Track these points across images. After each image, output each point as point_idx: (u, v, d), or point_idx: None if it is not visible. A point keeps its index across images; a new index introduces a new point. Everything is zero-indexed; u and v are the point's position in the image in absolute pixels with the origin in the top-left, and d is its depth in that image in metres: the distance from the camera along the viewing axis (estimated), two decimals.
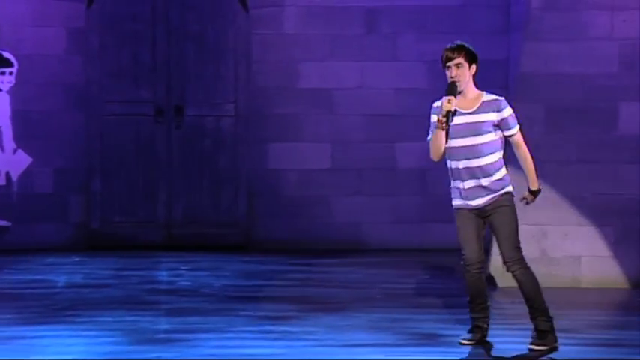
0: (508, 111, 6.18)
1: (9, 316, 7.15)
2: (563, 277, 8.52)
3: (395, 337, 6.66)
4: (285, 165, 10.56)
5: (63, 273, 8.99)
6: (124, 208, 10.51)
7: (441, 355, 6.23)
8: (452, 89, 6.18)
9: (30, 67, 10.22)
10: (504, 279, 8.43)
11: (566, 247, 8.55)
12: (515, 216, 6.19)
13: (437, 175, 10.72)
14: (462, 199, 6.22)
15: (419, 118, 10.68)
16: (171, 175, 10.57)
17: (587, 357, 6.21)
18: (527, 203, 6.29)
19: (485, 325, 6.36)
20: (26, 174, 10.30)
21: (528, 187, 6.24)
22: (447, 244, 10.48)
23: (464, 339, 6.32)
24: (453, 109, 6.14)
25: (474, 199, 6.18)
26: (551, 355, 6.16)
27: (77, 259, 9.76)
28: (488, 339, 6.36)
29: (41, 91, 10.26)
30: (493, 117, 6.15)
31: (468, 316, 6.48)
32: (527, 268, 6.18)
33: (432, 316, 7.28)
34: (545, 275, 8.49)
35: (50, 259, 9.64)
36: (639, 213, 8.52)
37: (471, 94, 6.21)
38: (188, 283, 8.59)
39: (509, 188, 6.22)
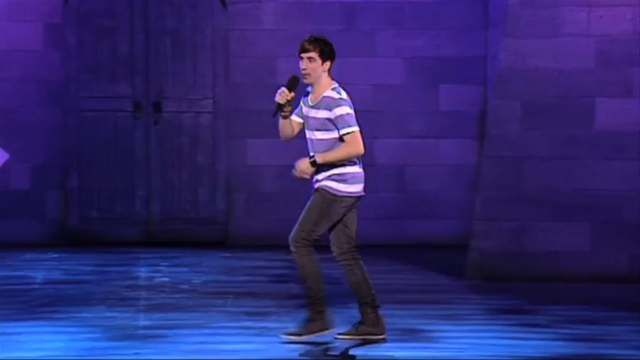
0: (340, 111, 6.15)
1: None
2: (542, 272, 8.56)
3: None
4: (264, 161, 10.55)
5: (41, 269, 8.96)
6: (102, 205, 10.47)
7: (421, 350, 6.24)
8: (291, 82, 6.21)
9: (6, 62, 10.16)
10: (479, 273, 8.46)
11: (544, 243, 8.59)
12: (322, 205, 6.17)
13: (415, 172, 10.74)
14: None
15: (397, 115, 10.75)
16: (150, 171, 10.54)
17: (565, 352, 6.25)
18: (293, 174, 6.22)
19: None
20: (3, 170, 10.24)
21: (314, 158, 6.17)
22: (426, 239, 10.51)
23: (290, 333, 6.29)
24: (283, 101, 6.14)
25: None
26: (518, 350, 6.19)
27: (55, 255, 9.72)
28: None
29: (18, 87, 10.21)
30: (325, 114, 6.16)
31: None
32: (305, 255, 6.23)
33: (412, 312, 7.30)
34: (524, 270, 8.54)
35: (28, 256, 9.60)
36: (616, 208, 8.57)
37: (320, 89, 6.21)
38: (167, 279, 8.57)
39: (333, 185, 6.18)
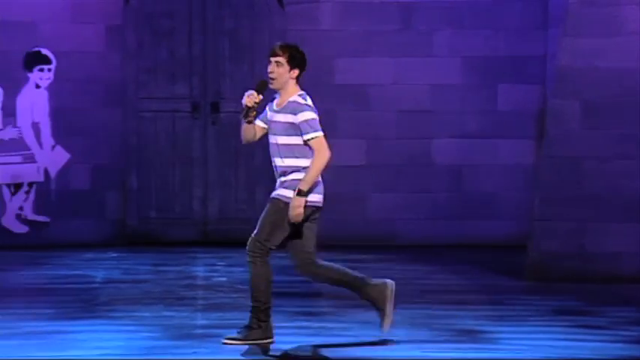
0: (304, 116, 6.06)
1: (48, 311, 7.21)
2: (601, 273, 8.46)
3: (432, 333, 6.64)
4: None
5: (101, 269, 9.05)
6: (160, 205, 10.56)
7: (479, 352, 6.21)
8: (260, 86, 6.16)
9: (68, 64, 10.28)
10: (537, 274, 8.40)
11: (604, 243, 8.49)
12: (276, 215, 6.05)
13: (472, 172, 10.68)
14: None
15: (454, 115, 10.70)
16: (207, 171, 10.60)
17: (625, 354, 6.17)
18: (292, 217, 6.05)
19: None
20: (64, 170, 10.37)
21: (298, 188, 6.04)
22: (482, 240, 10.45)
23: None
24: (251, 104, 6.09)
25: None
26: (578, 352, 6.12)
27: (115, 255, 9.82)
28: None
29: (79, 88, 10.33)
30: (290, 119, 6.07)
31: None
32: (258, 265, 6.15)
33: (469, 313, 7.25)
34: (583, 271, 8.45)
35: (88, 255, 9.71)
36: None
37: (286, 93, 6.15)
38: (224, 279, 8.62)
39: (287, 193, 6.05)
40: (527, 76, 10.53)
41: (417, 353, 6.16)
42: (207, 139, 10.61)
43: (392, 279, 8.73)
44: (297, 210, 6.04)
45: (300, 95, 6.15)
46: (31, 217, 10.32)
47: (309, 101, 6.19)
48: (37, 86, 10.33)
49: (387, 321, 6.21)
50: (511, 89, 10.60)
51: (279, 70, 6.10)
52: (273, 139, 6.13)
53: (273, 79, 6.11)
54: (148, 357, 6.00)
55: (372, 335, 6.54)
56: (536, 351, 6.20)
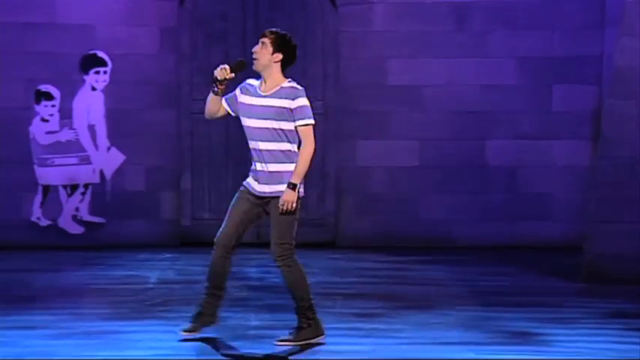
0: (302, 101, 6.12)
1: (103, 311, 7.28)
2: None
3: (485, 335, 6.60)
4: (373, 162, 10.55)
5: (155, 269, 9.12)
6: (213, 206, 10.61)
7: (533, 354, 6.16)
8: (237, 64, 6.22)
9: (123, 66, 10.38)
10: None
11: None
12: (289, 214, 6.09)
13: (526, 173, 10.60)
14: (254, 180, 6.19)
15: (509, 115, 10.62)
16: None
17: None
18: (284, 211, 6.08)
19: (209, 312, 6.25)
20: (119, 171, 10.47)
21: (289, 182, 6.08)
22: (536, 241, 10.36)
23: (183, 329, 6.23)
24: (221, 77, 6.13)
25: (259, 183, 6.16)
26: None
27: (169, 255, 9.89)
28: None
29: (134, 89, 10.42)
30: (285, 103, 6.10)
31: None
32: (292, 266, 6.16)
33: (522, 315, 7.20)
34: None
35: (142, 256, 9.78)
36: None
37: (272, 79, 6.18)
38: (277, 280, 8.63)
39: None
40: (583, 76, 10.43)
41: (471, 355, 6.12)
42: None
43: (445, 280, 8.71)
44: (291, 204, 6.10)
45: (292, 81, 6.22)
46: (87, 218, 10.43)
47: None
48: (93, 88, 10.44)
49: (284, 344, 6.19)
50: (566, 90, 10.50)
51: (262, 51, 6.19)
52: (258, 124, 6.14)
53: (255, 58, 6.19)
54: (201, 357, 6.04)
55: (425, 337, 6.52)
56: (592, 354, 6.14)
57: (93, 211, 10.44)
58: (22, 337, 6.36)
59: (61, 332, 6.57)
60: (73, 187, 10.46)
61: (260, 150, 6.16)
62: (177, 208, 10.55)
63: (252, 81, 6.28)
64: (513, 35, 10.46)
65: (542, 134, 10.55)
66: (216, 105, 6.27)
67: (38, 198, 10.37)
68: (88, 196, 10.46)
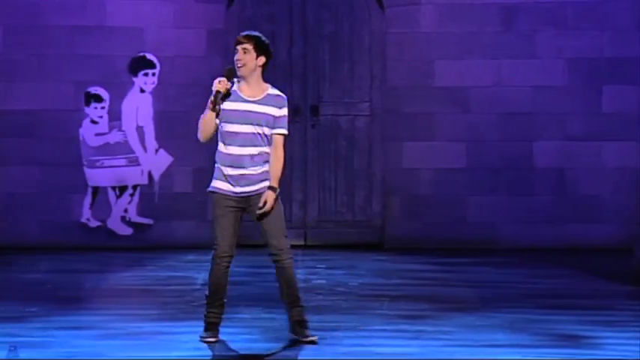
0: (285, 111, 6.21)
1: (151, 312, 7.32)
2: None
3: (533, 337, 6.55)
4: (419, 164, 10.52)
5: (202, 270, 9.14)
6: None
7: (582, 357, 6.09)
8: (229, 72, 6.18)
9: (172, 68, 10.45)
10: None
11: None
12: (281, 205, 6.20)
13: (575, 174, 10.51)
14: (229, 184, 6.19)
15: (557, 116, 10.54)
16: (307, 174, 10.65)
17: None
18: (262, 212, 6.14)
19: (219, 321, 6.29)
20: (167, 173, 10.53)
21: (271, 185, 6.15)
22: (584, 244, 10.27)
23: (205, 338, 6.23)
24: (223, 90, 6.12)
25: (240, 186, 6.17)
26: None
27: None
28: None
29: (182, 91, 10.48)
30: (273, 111, 6.15)
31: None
32: (292, 258, 6.27)
33: (570, 317, 7.14)
34: None
35: (189, 257, 9.83)
36: None
37: (256, 84, 6.20)
38: (323, 281, 8.64)
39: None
40: (633, 77, 10.32)
41: (518, 357, 6.08)
42: (307, 143, 10.66)
43: (492, 282, 8.66)
44: (272, 205, 6.20)
45: (274, 87, 6.28)
46: (135, 219, 10.51)
47: None
48: (142, 90, 10.52)
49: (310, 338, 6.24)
50: (616, 91, 10.40)
51: (247, 57, 6.19)
52: (243, 129, 6.15)
53: (241, 65, 6.18)
54: (247, 359, 6.05)
55: (472, 339, 6.49)
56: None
57: (141, 213, 10.51)
58: (69, 337, 6.42)
59: (108, 333, 6.62)
60: (122, 189, 10.54)
61: (240, 155, 6.19)
62: None
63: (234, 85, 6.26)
64: (562, 36, 10.38)
65: (592, 135, 10.45)
66: (213, 122, 6.26)
67: (87, 199, 10.46)
68: (136, 198, 10.53)
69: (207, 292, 6.33)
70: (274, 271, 9.66)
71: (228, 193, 6.25)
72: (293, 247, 10.42)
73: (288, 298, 6.31)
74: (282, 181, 6.31)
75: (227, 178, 6.24)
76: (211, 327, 6.31)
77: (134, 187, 10.52)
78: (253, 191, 6.24)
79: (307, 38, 10.63)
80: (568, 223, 10.39)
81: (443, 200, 10.46)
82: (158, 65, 10.46)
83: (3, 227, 10.30)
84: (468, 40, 10.47)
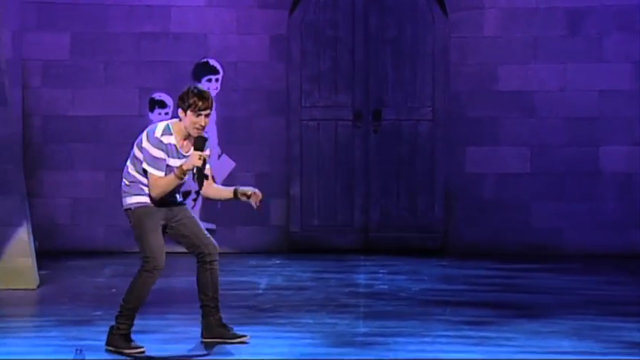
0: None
1: None
2: None
3: (600, 345, 6.46)
4: (483, 169, 10.45)
5: (265, 275, 9.19)
6: (322, 213, 10.65)
7: None
8: (202, 143, 6.12)
9: (235, 73, 10.51)
10: None
11: None
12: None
13: None
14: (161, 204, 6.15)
15: (624, 121, 10.40)
16: (369, 179, 10.64)
17: None
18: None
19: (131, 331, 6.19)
20: (230, 178, 10.59)
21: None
22: None
23: (137, 349, 6.13)
24: (201, 163, 6.08)
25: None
26: None
27: (278, 261, 9.96)
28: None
29: (245, 96, 10.54)
30: (208, 152, 6.26)
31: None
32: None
33: (637, 325, 7.02)
34: None
35: (253, 262, 9.87)
36: None
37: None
38: (386, 286, 8.62)
39: None
40: None
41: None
42: (369, 147, 10.64)
43: (557, 289, 8.57)
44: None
45: None
46: None
47: None
48: None
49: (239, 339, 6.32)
50: None
51: (208, 121, 6.24)
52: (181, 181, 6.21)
53: (203, 128, 6.19)
54: None
55: (537, 346, 6.42)
56: None
57: (204, 218, 10.57)
58: (136, 341, 6.47)
59: (173, 337, 6.67)
60: (185, 194, 10.60)
61: (177, 195, 6.33)
62: (287, 214, 10.62)
63: (165, 138, 6.16)
64: (629, 39, 10.24)
65: None
66: (214, 188, 6.37)
67: None
68: (199, 203, 10.60)
69: (130, 305, 6.20)
70: (336, 276, 9.67)
71: (160, 213, 6.28)
72: (355, 251, 10.49)
73: (215, 301, 6.34)
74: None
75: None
76: (130, 337, 6.21)
77: (197, 192, 10.57)
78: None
79: (369, 43, 10.62)
80: (635, 229, 10.24)
81: (506, 205, 10.37)
82: (221, 71, 10.53)
83: (71, 232, 10.44)
84: (532, 44, 10.39)
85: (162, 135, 6.14)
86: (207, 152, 6.19)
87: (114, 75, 10.47)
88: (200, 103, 6.14)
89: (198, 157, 6.11)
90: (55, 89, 10.45)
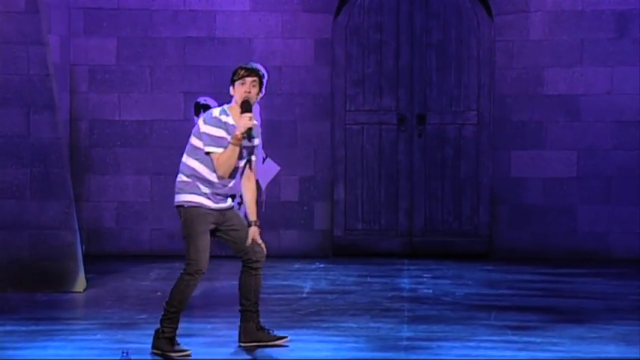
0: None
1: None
2: None
3: None
4: (528, 173, 10.38)
5: (308, 279, 9.20)
6: (366, 216, 10.65)
7: None
8: (248, 106, 6.17)
9: (280, 78, 10.55)
10: None
11: None
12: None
13: None
14: (205, 199, 6.20)
15: None
16: (413, 183, 10.62)
17: None
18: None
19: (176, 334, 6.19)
20: (274, 182, 10.62)
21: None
22: None
23: (184, 353, 6.12)
24: (250, 124, 6.12)
25: (218, 203, 6.28)
26: None
27: (322, 265, 9.97)
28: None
29: (290, 101, 10.57)
30: (257, 142, 6.29)
31: None
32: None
33: None
34: None
35: (296, 265, 9.89)
36: None
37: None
38: (430, 291, 8.59)
39: None
40: None
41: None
42: (413, 151, 10.62)
43: (603, 294, 8.49)
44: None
45: None
46: None
47: None
48: None
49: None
50: None
51: (254, 92, 6.31)
52: (240, 163, 6.26)
53: (251, 97, 6.27)
54: None
55: (582, 351, 6.37)
56: None
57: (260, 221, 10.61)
58: (181, 344, 6.50)
59: (217, 340, 6.70)
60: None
61: (228, 186, 6.35)
62: (331, 218, 10.63)
63: (223, 117, 6.22)
64: None
65: None
66: (236, 156, 6.28)
67: None
68: (244, 207, 10.63)
69: (173, 309, 6.20)
70: (380, 280, 9.65)
71: (214, 208, 6.33)
72: (399, 255, 10.46)
73: (256, 306, 6.39)
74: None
75: (209, 197, 6.32)
76: (175, 341, 6.23)
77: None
78: (229, 205, 6.43)
79: (414, 47, 10.61)
80: None
81: (552, 210, 10.30)
82: (266, 75, 10.55)
83: (117, 235, 10.53)
84: (578, 47, 10.31)
85: (220, 115, 6.24)
86: (252, 115, 6.20)
87: (159, 79, 10.55)
88: (243, 72, 6.29)
89: (248, 118, 6.20)
90: (102, 94, 10.55)
